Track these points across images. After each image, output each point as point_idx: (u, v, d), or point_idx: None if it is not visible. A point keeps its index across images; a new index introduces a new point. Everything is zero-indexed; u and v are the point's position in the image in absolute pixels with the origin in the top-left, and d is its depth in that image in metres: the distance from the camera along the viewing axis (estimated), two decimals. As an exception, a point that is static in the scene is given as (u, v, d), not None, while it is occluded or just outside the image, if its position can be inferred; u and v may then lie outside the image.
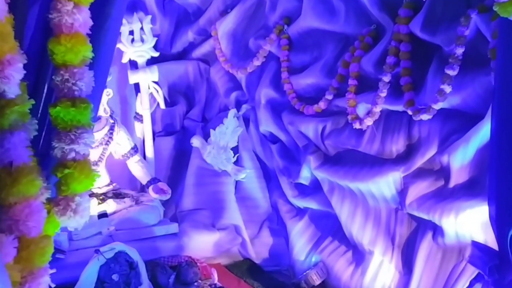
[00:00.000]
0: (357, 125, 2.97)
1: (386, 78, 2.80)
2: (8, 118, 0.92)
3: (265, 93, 3.77)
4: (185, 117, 4.42)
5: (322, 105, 3.30)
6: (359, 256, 3.17)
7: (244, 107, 4.00)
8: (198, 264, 3.51)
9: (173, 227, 3.59)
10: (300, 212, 3.69)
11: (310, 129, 3.38)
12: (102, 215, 3.27)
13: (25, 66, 1.05)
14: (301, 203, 3.62)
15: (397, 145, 2.88)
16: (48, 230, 1.09)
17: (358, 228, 3.13)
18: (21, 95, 1.00)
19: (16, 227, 0.94)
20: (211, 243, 3.68)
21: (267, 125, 3.76)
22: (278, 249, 3.81)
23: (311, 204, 3.53)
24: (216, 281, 3.31)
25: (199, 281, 3.38)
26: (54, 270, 1.20)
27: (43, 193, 1.05)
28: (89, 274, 2.86)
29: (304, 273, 3.29)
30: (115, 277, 2.91)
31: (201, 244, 3.62)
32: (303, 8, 3.40)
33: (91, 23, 1.20)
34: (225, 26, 4.05)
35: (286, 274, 3.68)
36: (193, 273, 3.39)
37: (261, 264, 3.82)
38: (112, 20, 1.28)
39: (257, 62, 3.84)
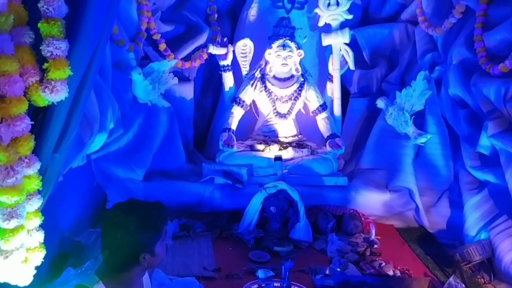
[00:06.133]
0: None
1: None
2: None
3: (457, 52, 3.49)
4: (384, 80, 4.45)
5: (508, 63, 2.88)
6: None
7: (437, 69, 3.78)
8: (363, 219, 3.64)
9: (342, 180, 3.79)
10: (481, 185, 3.33)
11: (492, 90, 2.99)
12: (277, 159, 3.76)
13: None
14: (480, 174, 3.27)
15: None
16: (37, 101, 1.66)
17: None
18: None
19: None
20: (380, 203, 3.73)
21: (455, 87, 3.48)
22: (457, 222, 3.53)
23: (489, 176, 3.15)
24: (373, 237, 3.38)
25: (360, 234, 3.53)
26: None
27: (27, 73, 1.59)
28: (255, 203, 3.43)
29: (464, 247, 3.02)
30: (272, 209, 3.41)
31: (369, 201, 3.72)
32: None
33: None
34: (427, -16, 3.86)
35: (460, 249, 3.41)
36: (353, 225, 3.56)
37: (436, 235, 3.64)
38: None
39: (452, 19, 3.58)
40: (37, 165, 1.70)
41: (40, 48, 1.60)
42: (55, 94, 1.62)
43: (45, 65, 1.63)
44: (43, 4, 1.56)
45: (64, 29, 1.62)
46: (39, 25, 1.59)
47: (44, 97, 1.64)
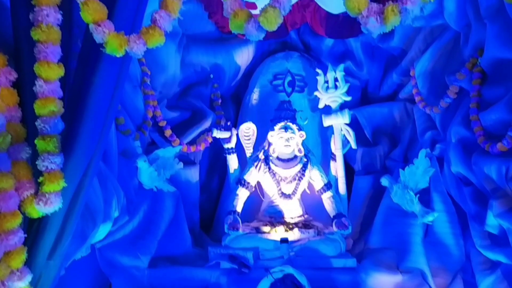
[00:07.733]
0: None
1: None
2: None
3: (456, 131, 3.53)
4: (387, 157, 4.48)
5: (506, 143, 2.91)
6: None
7: (438, 147, 3.82)
8: (375, 303, 3.51)
9: (351, 262, 3.69)
10: (493, 265, 3.23)
11: (493, 169, 2.99)
12: (284, 241, 3.71)
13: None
14: (491, 254, 3.17)
15: None
16: (31, 213, 1.68)
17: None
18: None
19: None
20: (392, 285, 3.60)
21: (457, 165, 3.48)
22: (473, 305, 3.39)
23: (500, 257, 3.06)
24: (386, 323, 3.25)
25: (373, 320, 3.39)
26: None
27: (22, 187, 1.62)
28: (261, 289, 3.33)
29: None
30: (279, 295, 3.30)
31: (380, 283, 3.58)
32: (486, 38, 3.13)
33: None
34: (421, 65, 4.02)
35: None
36: (365, 311, 3.43)
37: (453, 319, 3.48)
38: (96, 87, 1.78)
39: (448, 99, 3.68)
40: (29, 277, 1.69)
41: (36, 163, 1.67)
42: (49, 206, 1.67)
43: (40, 179, 1.70)
44: (40, 122, 1.65)
45: (60, 143, 1.70)
46: (35, 141, 1.68)
47: (38, 210, 1.69)
